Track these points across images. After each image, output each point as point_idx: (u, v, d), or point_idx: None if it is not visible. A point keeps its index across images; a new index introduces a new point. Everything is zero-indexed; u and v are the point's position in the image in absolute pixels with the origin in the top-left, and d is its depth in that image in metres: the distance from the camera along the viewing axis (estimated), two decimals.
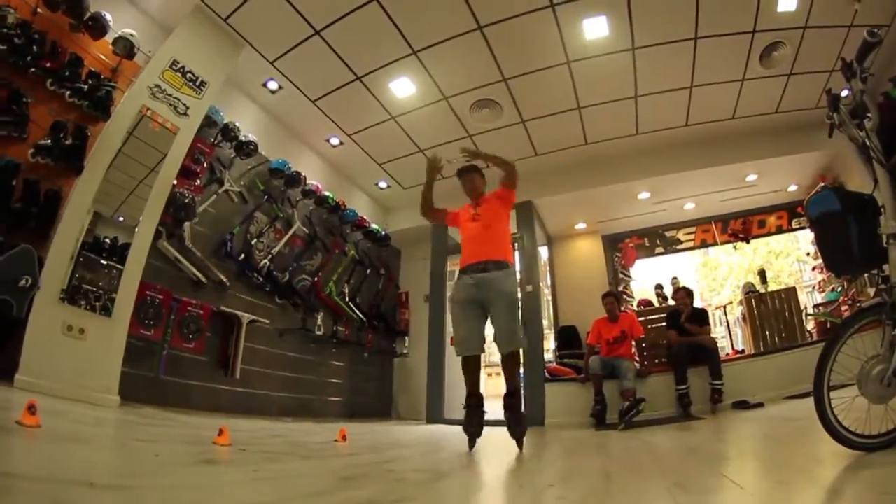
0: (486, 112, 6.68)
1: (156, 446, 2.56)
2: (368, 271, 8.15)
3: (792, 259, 12.14)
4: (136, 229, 4.42)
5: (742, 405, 5.55)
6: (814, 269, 8.35)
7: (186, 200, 4.99)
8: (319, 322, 6.76)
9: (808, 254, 8.58)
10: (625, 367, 5.86)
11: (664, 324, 6.61)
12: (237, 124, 5.72)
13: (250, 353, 5.62)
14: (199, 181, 5.27)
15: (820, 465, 1.98)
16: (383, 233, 8.23)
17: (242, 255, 5.75)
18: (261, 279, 5.92)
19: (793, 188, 8.21)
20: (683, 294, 6.45)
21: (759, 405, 5.43)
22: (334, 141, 7.31)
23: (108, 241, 4.26)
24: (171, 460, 2.12)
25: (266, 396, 5.82)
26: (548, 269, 9.13)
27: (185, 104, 4.83)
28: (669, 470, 2.24)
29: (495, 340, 3.60)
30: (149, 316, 4.54)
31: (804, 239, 9.65)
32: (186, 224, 5.12)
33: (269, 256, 6.09)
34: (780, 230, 8.91)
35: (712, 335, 6.40)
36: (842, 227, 2.08)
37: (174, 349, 4.77)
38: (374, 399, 7.98)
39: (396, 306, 8.86)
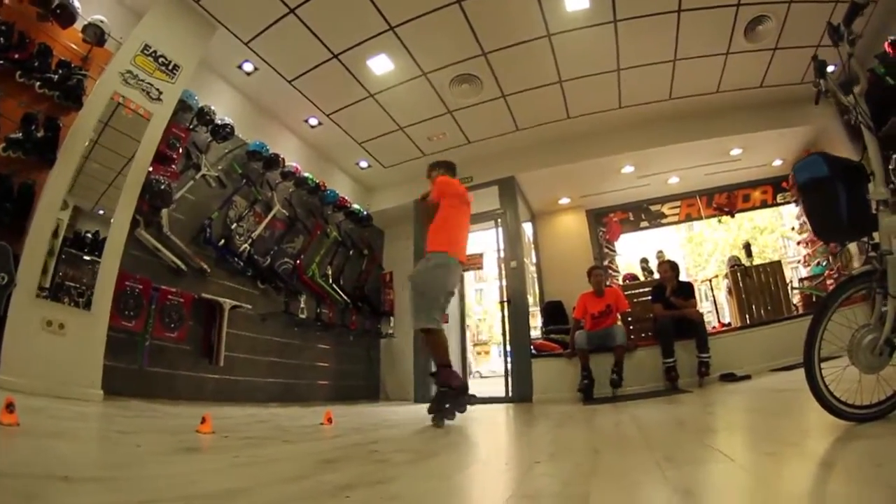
0: (466, 87, 6.57)
1: (137, 437, 2.51)
2: (351, 252, 8.07)
3: (776, 235, 12.23)
4: (112, 219, 4.33)
5: (729, 378, 5.60)
6: (799, 243, 8.40)
7: (163, 187, 4.86)
8: (303, 305, 6.69)
9: (793, 228, 8.63)
10: (616, 329, 5.99)
11: (650, 298, 6.61)
12: (212, 108, 5.59)
13: (234, 340, 5.55)
14: (175, 167, 5.14)
15: (810, 436, 1.96)
16: (365, 213, 8.14)
17: (222, 241, 5.65)
18: (241, 264, 5.82)
19: (778, 163, 8.20)
20: (668, 267, 6.44)
21: (747, 378, 5.47)
22: (313, 121, 7.19)
23: (89, 235, 4.20)
24: (152, 450, 2.08)
25: (252, 383, 5.76)
26: (532, 245, 9.07)
27: (158, 89, 4.72)
28: (658, 443, 2.22)
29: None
30: (129, 307, 4.45)
31: (788, 215, 9.70)
32: (164, 211, 5.02)
33: (250, 241, 5.99)
34: (764, 204, 8.91)
35: (698, 309, 6.40)
36: (830, 193, 2.03)
37: (157, 339, 4.68)
38: (362, 381, 7.94)
39: (381, 287, 8.77)
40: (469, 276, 12.43)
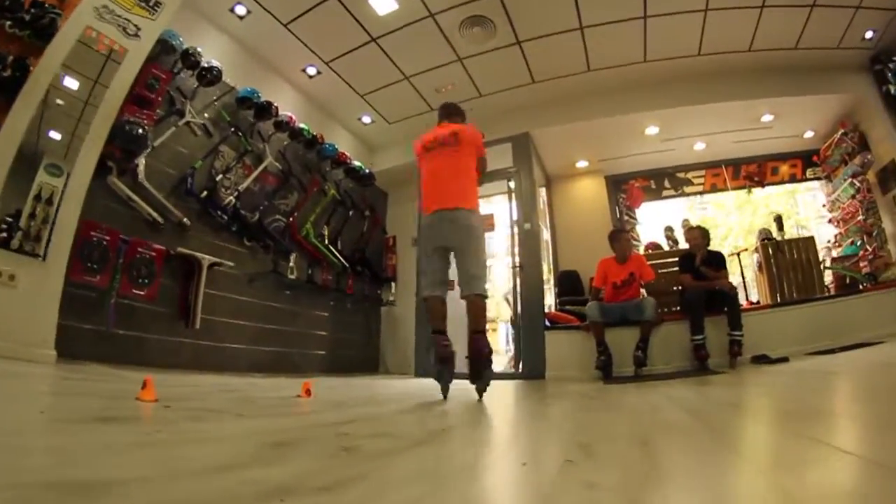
0: (478, 31, 5.97)
1: (62, 400, 2.11)
2: (351, 213, 7.48)
3: (792, 222, 11.74)
4: (76, 160, 3.82)
5: (762, 360, 5.01)
6: (830, 221, 7.84)
7: (138, 131, 4.36)
8: (292, 264, 6.10)
9: (823, 205, 8.06)
10: (646, 302, 5.37)
11: (676, 269, 6.00)
12: (199, 49, 5.06)
13: (215, 302, 5.07)
14: (154, 112, 4.64)
15: None
16: (367, 171, 7.53)
17: (205, 193, 5.12)
18: (225, 218, 5.28)
19: (809, 134, 7.68)
20: (698, 234, 5.77)
21: (783, 360, 4.86)
22: (311, 71, 6.62)
23: None
24: (60, 417, 1.65)
25: (236, 350, 5.26)
26: (546, 211, 8.46)
27: (135, 25, 4.20)
28: (727, 433, 1.64)
29: (459, 284, 3.51)
30: (93, 259, 3.95)
31: (804, 203, 9.30)
32: (141, 159, 4.49)
33: (236, 193, 5.44)
34: (793, 179, 8.39)
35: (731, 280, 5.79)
36: None
37: (124, 297, 4.18)
38: (360, 351, 7.40)
39: (383, 251, 8.22)
40: None
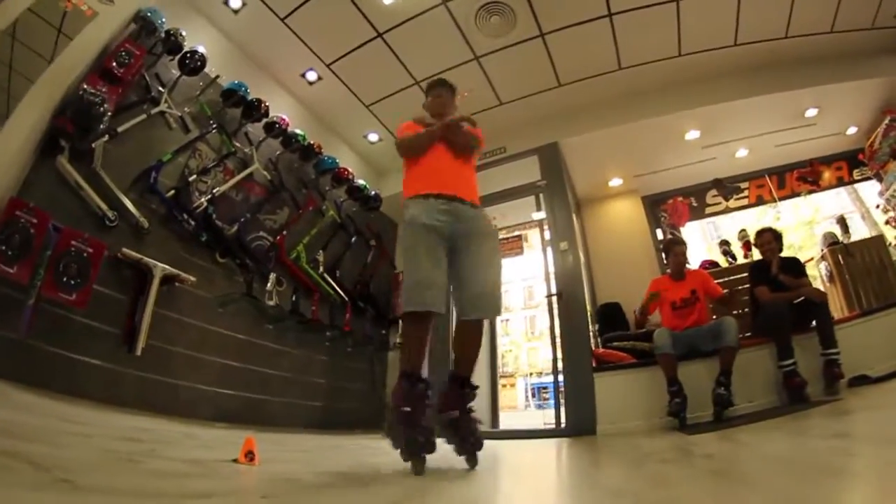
0: (496, 22, 5.28)
1: None
2: (354, 240, 6.47)
3: (823, 227, 10.83)
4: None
5: (861, 381, 3.95)
6: (888, 222, 6.83)
7: (94, 103, 3.63)
8: (270, 287, 4.96)
9: (877, 206, 7.06)
10: (726, 324, 4.16)
11: (741, 287, 4.93)
12: (182, 32, 4.46)
13: (175, 328, 4.07)
14: (121, 91, 3.98)
15: None
16: (373, 192, 6.59)
17: (172, 192, 4.24)
18: (193, 224, 4.31)
19: (852, 131, 6.87)
20: (770, 237, 4.72)
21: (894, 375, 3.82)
22: (311, 76, 5.97)
23: None
24: None
25: (194, 391, 4.12)
26: (580, 238, 7.41)
27: None
28: None
29: (463, 298, 2.57)
30: (13, 245, 3.03)
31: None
32: (99, 142, 3.74)
33: (209, 197, 4.54)
34: (841, 182, 7.43)
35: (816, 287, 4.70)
36: None
37: (47, 301, 3.19)
38: (361, 404, 6.08)
39: (391, 289, 7.08)
40: None
